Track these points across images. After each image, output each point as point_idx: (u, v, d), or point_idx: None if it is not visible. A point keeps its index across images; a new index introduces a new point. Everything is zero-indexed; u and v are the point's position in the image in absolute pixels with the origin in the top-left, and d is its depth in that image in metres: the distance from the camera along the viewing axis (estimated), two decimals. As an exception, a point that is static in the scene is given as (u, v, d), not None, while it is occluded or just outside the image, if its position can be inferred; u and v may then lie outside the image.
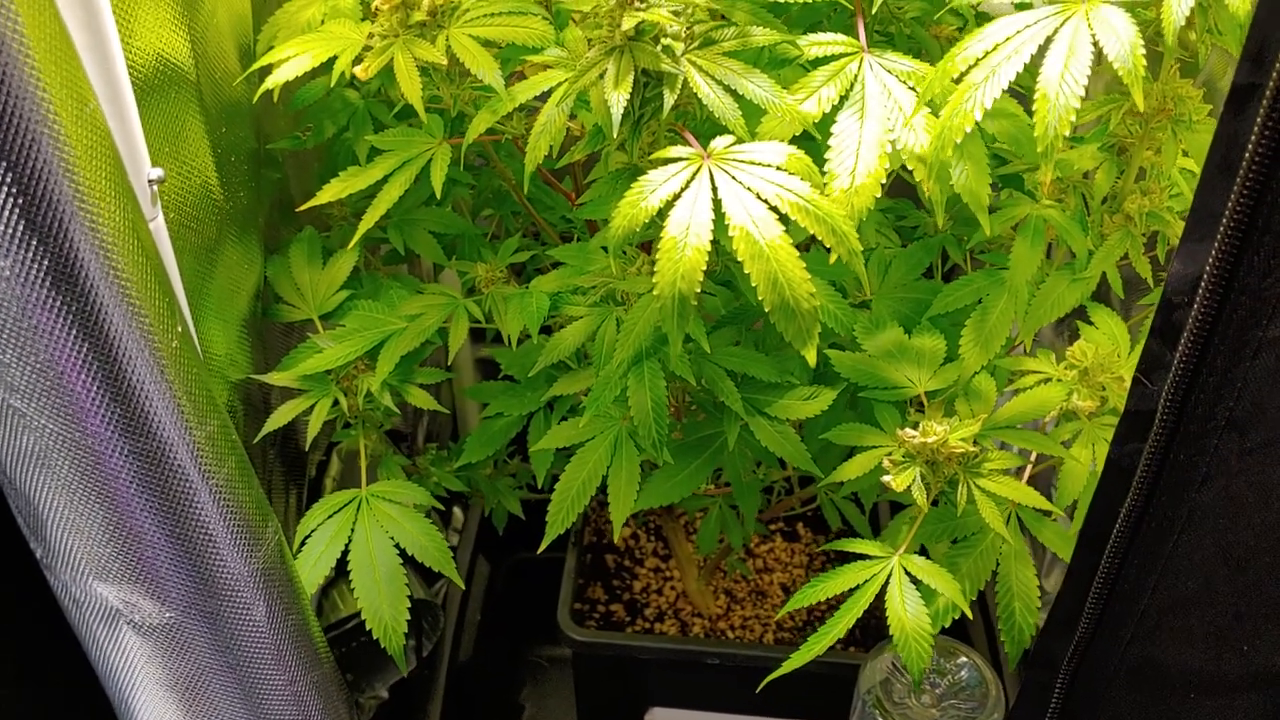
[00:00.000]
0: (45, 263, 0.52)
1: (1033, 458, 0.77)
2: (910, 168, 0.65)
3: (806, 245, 0.73)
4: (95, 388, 0.55)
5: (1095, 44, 0.59)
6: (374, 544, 0.79)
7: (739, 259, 0.60)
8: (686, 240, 0.60)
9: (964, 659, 0.86)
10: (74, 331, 0.54)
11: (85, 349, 0.54)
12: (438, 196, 0.76)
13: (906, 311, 0.82)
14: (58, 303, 0.53)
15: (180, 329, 0.60)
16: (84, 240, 0.52)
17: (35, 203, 0.50)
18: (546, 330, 0.81)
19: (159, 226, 0.64)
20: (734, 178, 0.61)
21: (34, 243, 0.51)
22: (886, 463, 0.69)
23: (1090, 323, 0.78)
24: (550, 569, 1.09)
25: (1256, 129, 0.51)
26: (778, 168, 0.61)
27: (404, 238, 0.90)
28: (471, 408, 1.39)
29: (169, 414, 0.58)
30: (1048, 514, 0.74)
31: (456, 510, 1.33)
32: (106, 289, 0.54)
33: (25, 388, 0.55)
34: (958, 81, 0.60)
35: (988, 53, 0.61)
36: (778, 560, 1.22)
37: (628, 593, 1.17)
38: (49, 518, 0.60)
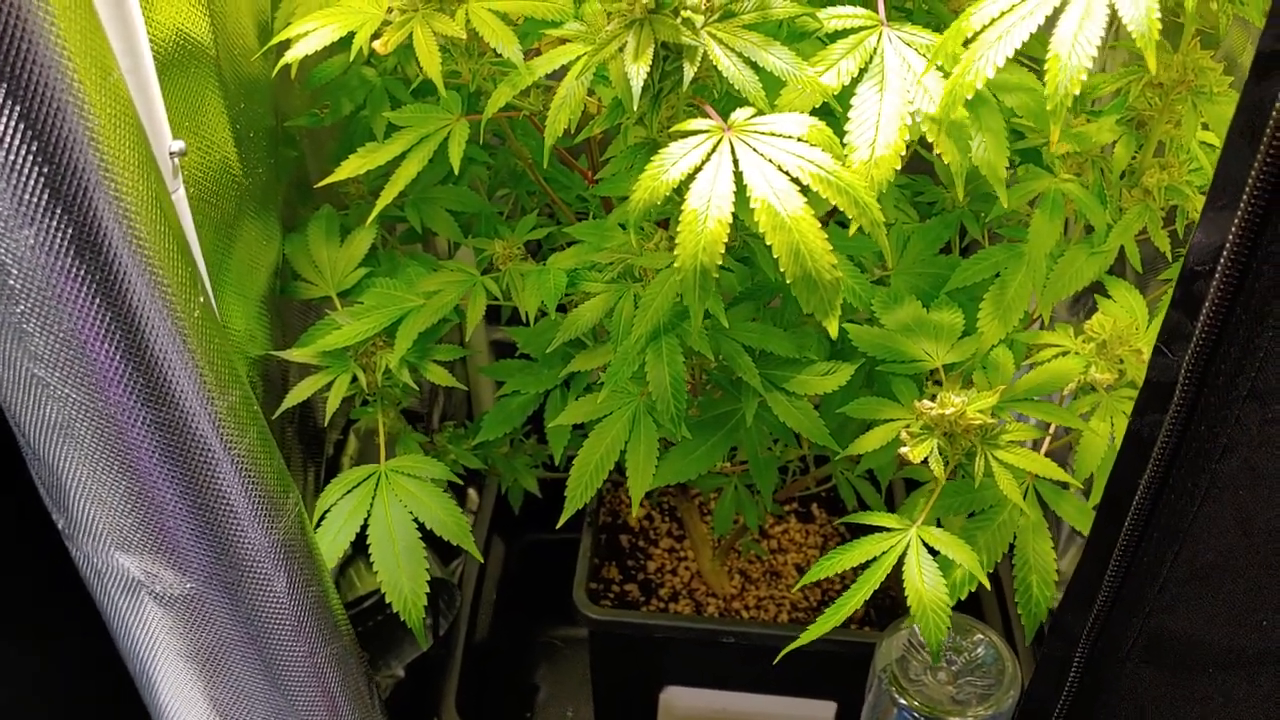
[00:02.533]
0: (69, 231, 0.52)
1: (1051, 430, 0.77)
2: (929, 138, 0.65)
3: (824, 220, 0.73)
4: (118, 357, 0.56)
5: (1111, 7, 0.59)
6: (393, 518, 0.80)
7: (760, 231, 0.60)
8: (708, 212, 0.60)
9: (980, 636, 0.87)
10: (97, 301, 0.54)
11: (108, 318, 0.54)
12: (455, 172, 0.76)
13: (924, 287, 0.82)
14: (81, 272, 0.53)
15: (202, 299, 0.60)
16: (107, 209, 0.52)
17: (60, 172, 0.50)
18: (563, 309, 0.82)
19: (180, 198, 0.64)
20: (755, 149, 0.61)
21: (58, 211, 0.51)
22: (904, 435, 0.69)
23: (1108, 297, 0.78)
24: (565, 550, 1.10)
25: (1281, 96, 0.50)
26: (799, 139, 0.61)
27: (421, 215, 0.90)
28: (486, 389, 1.39)
29: (191, 384, 0.59)
30: (1065, 487, 0.74)
31: (471, 491, 1.34)
32: (129, 258, 0.54)
33: (49, 357, 0.55)
34: (969, 44, 0.60)
35: (1003, 13, 0.61)
36: (792, 541, 1.22)
37: (642, 573, 1.17)
38: (72, 488, 0.60)
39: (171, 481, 0.61)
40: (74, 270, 0.53)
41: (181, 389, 0.58)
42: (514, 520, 1.25)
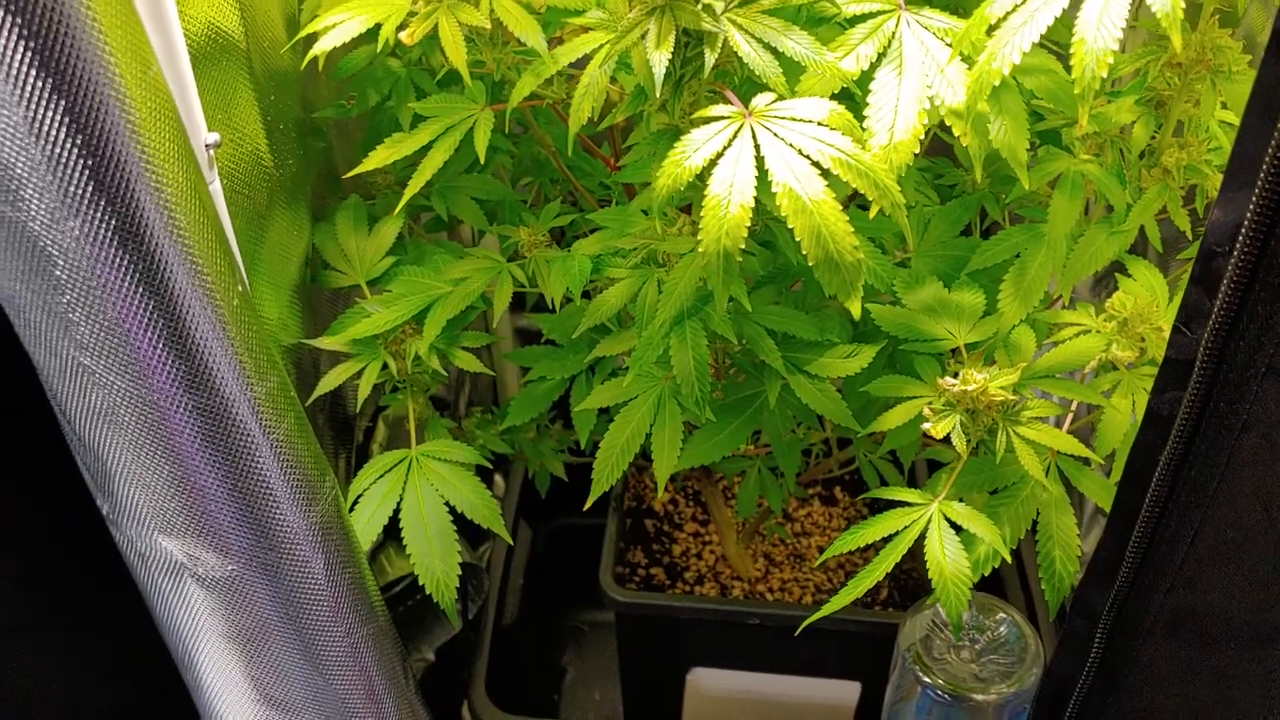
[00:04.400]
0: (113, 223, 0.53)
1: (1073, 408, 0.78)
2: (949, 124, 0.66)
3: (846, 204, 0.74)
4: (161, 345, 0.57)
5: (1136, -12, 0.60)
6: (425, 502, 0.81)
7: (783, 214, 0.61)
8: (730, 197, 0.61)
9: (1003, 615, 0.88)
10: (140, 290, 0.55)
11: (151, 307, 0.56)
12: (481, 161, 0.78)
13: (945, 269, 0.82)
14: (124, 262, 0.54)
15: (241, 288, 0.61)
16: (149, 201, 0.54)
17: (103, 164, 0.52)
18: (587, 295, 0.83)
19: (216, 190, 0.66)
20: (776, 134, 0.62)
21: (102, 203, 0.53)
22: (926, 411, 0.70)
23: (1129, 276, 0.79)
24: (590, 535, 1.11)
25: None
26: (819, 123, 0.62)
27: (447, 204, 0.92)
28: (512, 376, 1.41)
29: (231, 370, 0.60)
30: (1087, 463, 0.75)
31: (498, 477, 1.35)
32: (171, 248, 0.55)
33: (94, 345, 0.57)
34: (993, 30, 0.61)
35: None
36: (815, 524, 1.23)
37: (667, 556, 1.18)
38: (116, 473, 0.62)
39: (213, 466, 0.62)
40: (118, 260, 0.54)
41: (222, 375, 0.60)
42: (541, 505, 1.26)
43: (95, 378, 0.58)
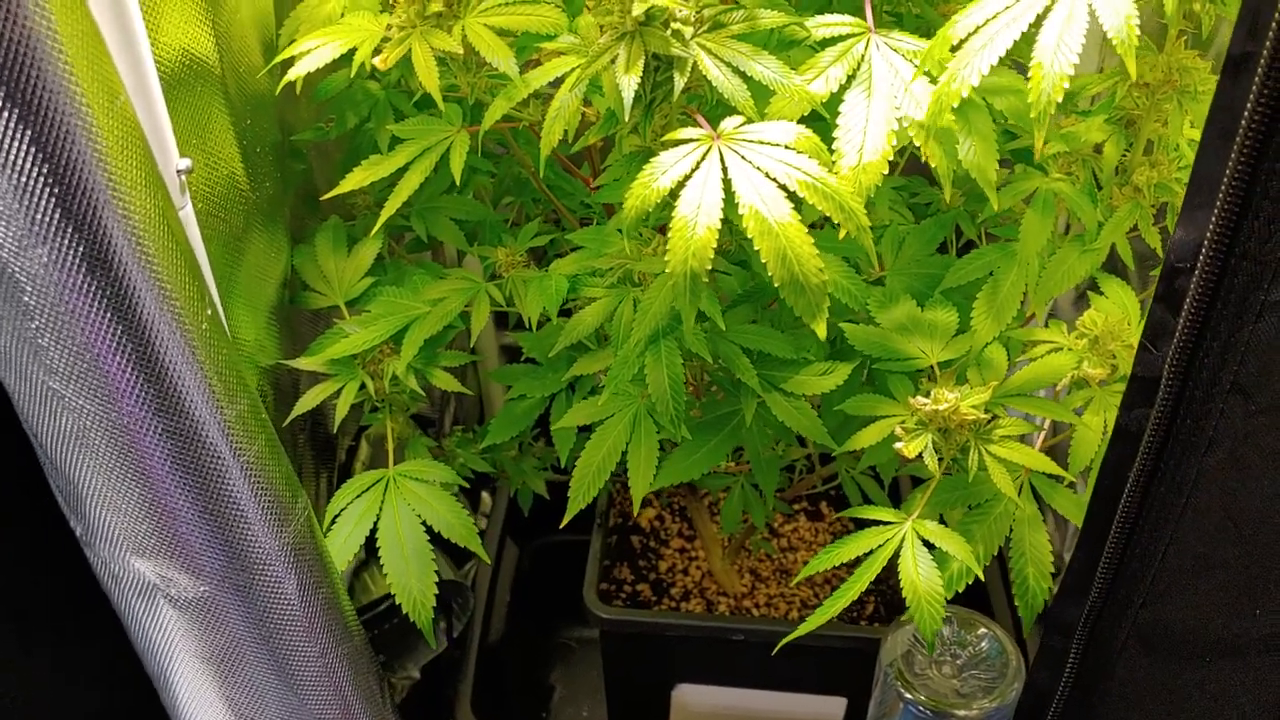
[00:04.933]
0: (80, 250, 0.54)
1: (1047, 425, 0.79)
2: (916, 142, 0.67)
3: (821, 224, 0.75)
4: (130, 369, 0.58)
5: (1092, 13, 0.60)
6: (401, 522, 0.81)
7: (749, 236, 0.61)
8: (698, 219, 0.61)
9: (984, 630, 0.88)
10: (108, 315, 0.56)
11: (119, 332, 0.56)
12: (457, 183, 0.78)
13: (920, 287, 0.83)
14: (92, 288, 0.55)
15: (210, 312, 0.62)
16: (116, 228, 0.54)
17: (70, 192, 0.52)
18: (567, 313, 0.83)
19: (188, 215, 0.66)
20: (744, 157, 0.62)
21: (70, 231, 0.53)
22: (899, 430, 0.70)
23: (1101, 294, 0.80)
24: (577, 551, 1.11)
25: (1252, 96, 0.52)
26: (787, 147, 0.63)
27: (426, 225, 0.92)
28: (497, 392, 1.41)
29: (200, 394, 0.61)
30: (1060, 480, 0.75)
31: (485, 494, 1.36)
32: (139, 274, 0.56)
33: (63, 370, 0.57)
34: (956, 50, 0.62)
35: (987, 20, 0.62)
36: (802, 539, 1.23)
37: (654, 573, 1.19)
38: (88, 495, 0.62)
39: (183, 488, 0.63)
40: (86, 287, 0.55)
41: (191, 399, 0.60)
42: (527, 522, 1.26)
43: (65, 402, 0.58)
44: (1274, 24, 0.50)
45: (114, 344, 0.57)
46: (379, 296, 0.87)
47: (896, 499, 1.13)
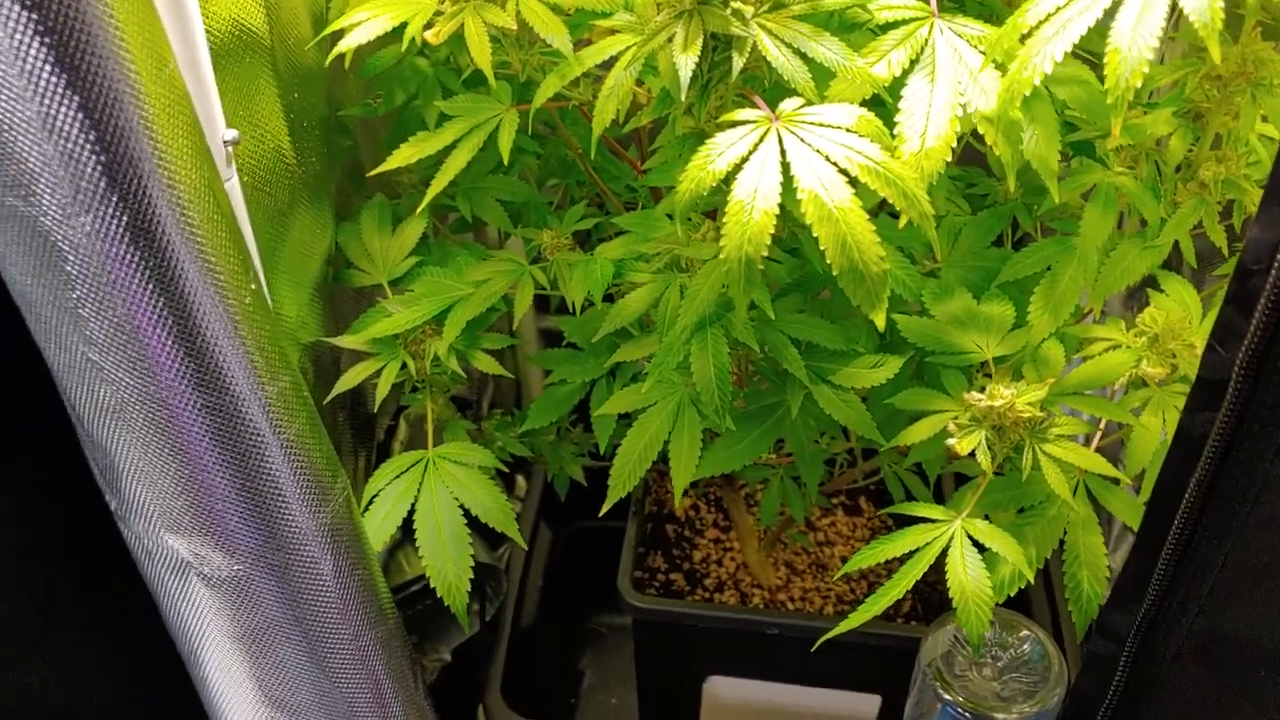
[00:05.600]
0: (124, 219, 0.53)
1: (1101, 425, 0.77)
2: (981, 131, 0.65)
3: (874, 212, 0.73)
4: (170, 342, 0.57)
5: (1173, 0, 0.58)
6: (439, 504, 0.80)
7: (807, 222, 0.60)
8: (754, 203, 0.60)
9: (1026, 632, 0.86)
10: (151, 287, 0.55)
11: (161, 304, 0.56)
12: (504, 162, 0.77)
13: (976, 280, 0.81)
14: (136, 259, 0.54)
15: (254, 286, 0.61)
16: (161, 198, 0.53)
17: (117, 160, 0.51)
18: (610, 298, 0.82)
19: (234, 187, 0.65)
20: (803, 140, 0.61)
21: (114, 199, 0.52)
22: (952, 426, 0.68)
23: (1161, 291, 0.77)
24: (611, 538, 1.10)
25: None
26: (847, 130, 0.61)
27: (471, 205, 0.91)
28: (535, 377, 1.40)
29: (242, 369, 0.60)
30: (1116, 482, 0.73)
31: (520, 478, 1.35)
32: (182, 245, 0.55)
33: (103, 341, 0.56)
34: (1026, 39, 0.60)
35: (1059, 7, 0.60)
36: (839, 534, 1.22)
37: (688, 562, 1.17)
38: (124, 469, 0.62)
39: (221, 465, 0.62)
40: (129, 257, 0.54)
41: (232, 374, 0.59)
42: (563, 507, 1.25)
43: (104, 374, 0.57)
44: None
45: (155, 316, 0.56)
46: (422, 276, 0.86)
47: (939, 498, 1.11)
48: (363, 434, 0.96)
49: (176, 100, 0.55)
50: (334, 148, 0.89)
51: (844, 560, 1.18)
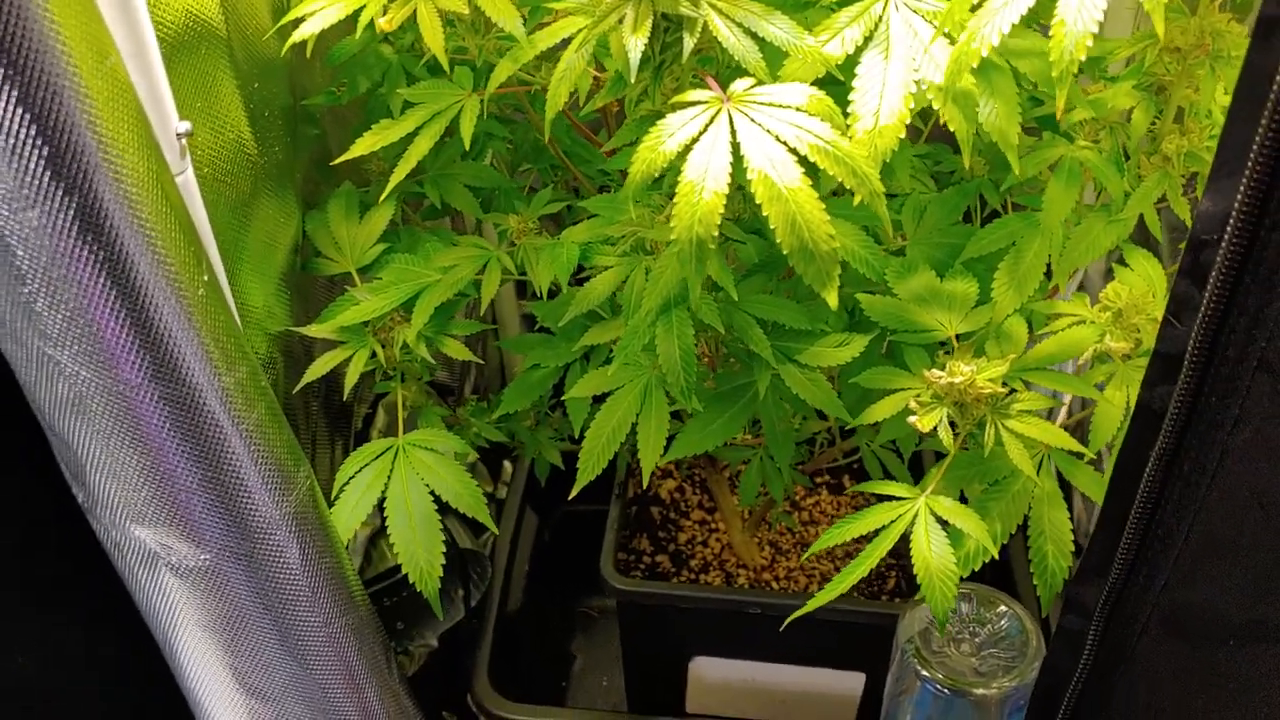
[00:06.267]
0: (72, 213, 0.53)
1: (1067, 399, 0.77)
2: (936, 106, 0.65)
3: (841, 190, 0.73)
4: (125, 334, 0.57)
5: (1118, -27, 0.58)
6: (410, 491, 0.81)
7: (758, 202, 0.60)
8: (704, 184, 0.60)
9: (1004, 608, 0.86)
10: (102, 280, 0.55)
11: (114, 296, 0.56)
12: (466, 148, 0.77)
13: (942, 257, 0.81)
14: (85, 252, 0.54)
15: (207, 278, 0.61)
16: (108, 190, 0.53)
17: (60, 154, 0.51)
18: (582, 282, 0.82)
19: (188, 179, 0.65)
20: (753, 120, 0.61)
21: (60, 193, 0.52)
22: (913, 404, 0.68)
23: (1126, 265, 0.77)
24: (599, 522, 1.10)
25: (1285, 58, 0.49)
26: (798, 109, 0.61)
27: (440, 191, 0.91)
28: (518, 361, 1.40)
29: (197, 360, 0.60)
30: (1081, 457, 0.73)
31: (506, 463, 1.35)
32: (132, 238, 0.55)
33: (58, 336, 0.56)
34: (976, 9, 0.59)
35: (1010, -22, 0.60)
36: (823, 512, 1.22)
37: (673, 544, 1.18)
38: (87, 462, 0.62)
39: (182, 455, 0.62)
40: (78, 250, 0.54)
41: (188, 365, 0.60)
42: (549, 490, 1.26)
43: (61, 368, 0.57)
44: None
45: (108, 309, 0.56)
46: (391, 264, 0.86)
47: (918, 473, 1.11)
48: (339, 422, 0.96)
49: (119, 92, 0.55)
50: (299, 137, 0.89)
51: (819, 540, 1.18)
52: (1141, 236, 0.80)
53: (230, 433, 0.63)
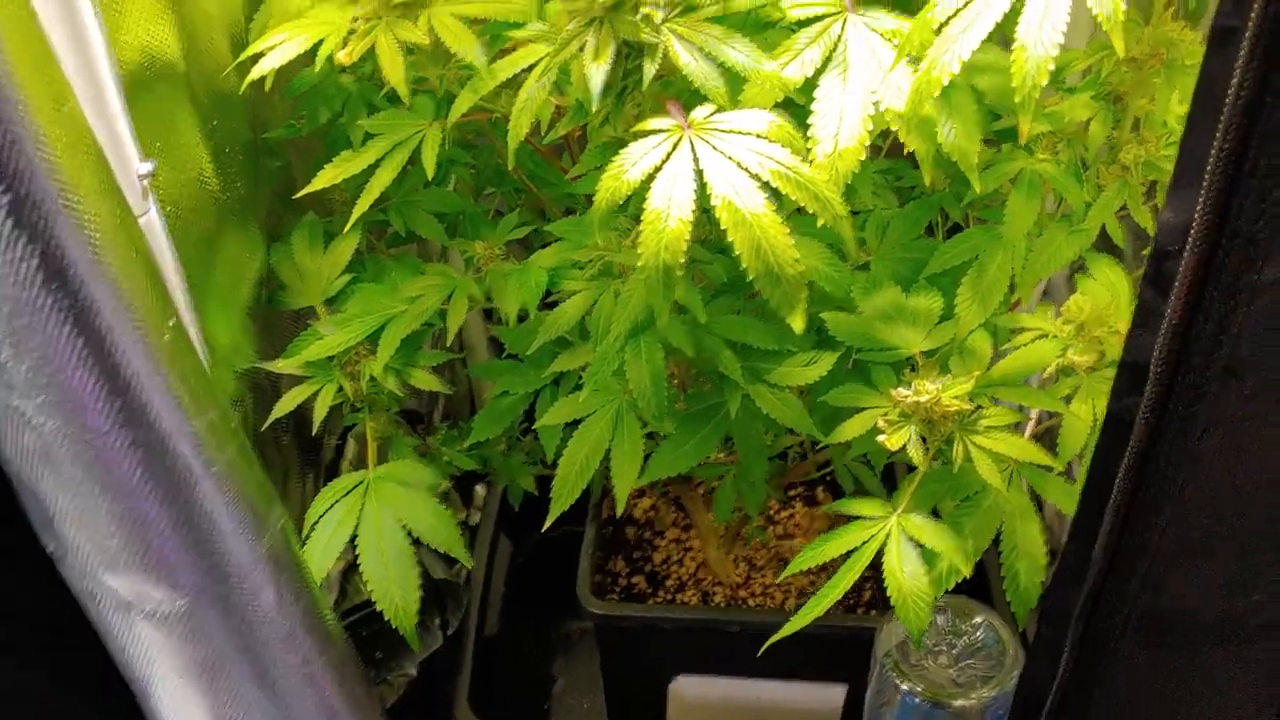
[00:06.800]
0: (35, 261, 0.52)
1: (1033, 415, 0.77)
2: (894, 129, 0.65)
3: (800, 210, 0.73)
4: (92, 383, 0.56)
5: (1075, -10, 0.58)
6: (382, 527, 0.80)
7: (723, 228, 0.60)
8: (669, 212, 0.60)
9: (980, 619, 0.86)
10: (67, 329, 0.54)
11: (80, 345, 0.55)
12: (429, 178, 0.77)
13: (906, 272, 0.81)
14: (49, 301, 0.53)
15: (173, 323, 0.60)
16: (71, 238, 0.53)
17: (20, 202, 0.51)
18: (551, 305, 0.82)
19: (151, 220, 0.65)
20: (715, 148, 0.61)
21: (22, 241, 0.52)
22: (881, 422, 0.69)
23: (1090, 275, 0.78)
24: (574, 544, 1.10)
25: (1239, 70, 0.50)
26: (759, 136, 0.61)
27: (404, 219, 0.91)
28: (488, 385, 1.40)
29: (166, 405, 0.59)
30: (1051, 469, 0.74)
31: (479, 488, 1.34)
32: (97, 285, 0.54)
33: (24, 386, 0.55)
34: (938, 31, 0.60)
35: (967, 2, 0.60)
36: (798, 526, 1.22)
37: (649, 564, 1.17)
38: (55, 513, 0.61)
39: (154, 501, 0.61)
40: (42, 300, 0.53)
41: (156, 411, 0.59)
42: (523, 514, 1.25)
43: (27, 419, 0.56)
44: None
45: (75, 357, 0.55)
46: (356, 294, 0.85)
47: (891, 484, 1.11)
48: (310, 454, 0.96)
49: (78, 137, 0.54)
50: (262, 170, 0.88)
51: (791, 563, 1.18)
52: (1105, 242, 0.80)
53: (202, 476, 0.62)
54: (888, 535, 0.69)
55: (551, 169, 0.95)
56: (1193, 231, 0.54)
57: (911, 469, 0.78)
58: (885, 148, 0.90)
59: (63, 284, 0.54)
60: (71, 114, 0.53)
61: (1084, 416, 0.71)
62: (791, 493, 1.25)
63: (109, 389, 0.57)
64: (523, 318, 0.82)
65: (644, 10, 0.63)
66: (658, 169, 0.60)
